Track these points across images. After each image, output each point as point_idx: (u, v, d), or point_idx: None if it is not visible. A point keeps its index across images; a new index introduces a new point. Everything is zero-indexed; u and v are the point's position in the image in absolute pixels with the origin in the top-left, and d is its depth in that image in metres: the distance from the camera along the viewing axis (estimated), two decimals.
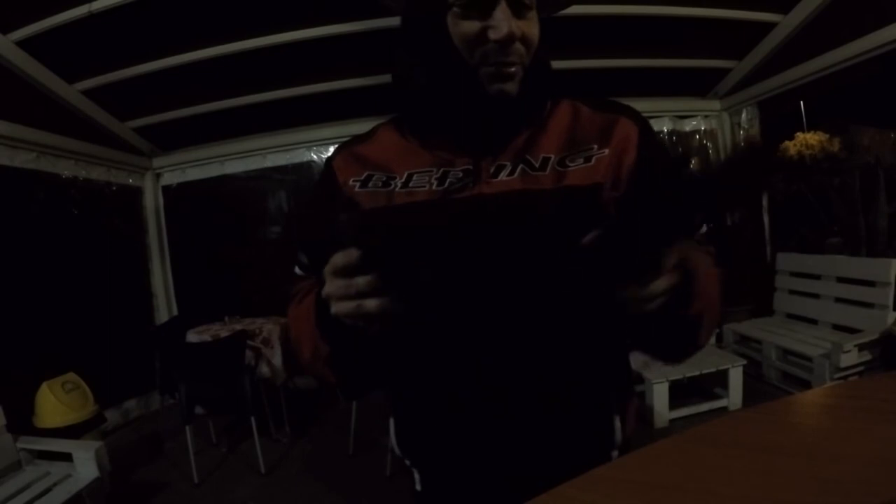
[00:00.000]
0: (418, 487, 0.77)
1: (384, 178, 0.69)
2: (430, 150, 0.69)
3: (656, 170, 0.66)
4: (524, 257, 0.63)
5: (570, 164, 0.65)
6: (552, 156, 0.66)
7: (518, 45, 0.61)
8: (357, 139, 0.77)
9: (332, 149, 3.71)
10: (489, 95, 0.63)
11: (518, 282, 0.63)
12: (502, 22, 0.59)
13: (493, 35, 0.59)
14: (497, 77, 0.62)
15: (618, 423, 0.70)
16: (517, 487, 0.64)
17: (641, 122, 0.70)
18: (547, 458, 0.67)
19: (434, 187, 0.66)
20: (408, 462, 0.77)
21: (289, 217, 4.13)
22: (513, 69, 0.62)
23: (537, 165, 0.66)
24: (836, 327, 3.02)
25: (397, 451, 0.77)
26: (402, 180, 0.68)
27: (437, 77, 0.65)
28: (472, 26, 0.60)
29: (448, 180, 0.66)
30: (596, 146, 0.66)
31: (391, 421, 0.77)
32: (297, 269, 0.78)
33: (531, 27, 0.62)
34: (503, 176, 0.65)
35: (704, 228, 0.69)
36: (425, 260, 0.52)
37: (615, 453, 0.70)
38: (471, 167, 0.66)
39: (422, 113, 0.69)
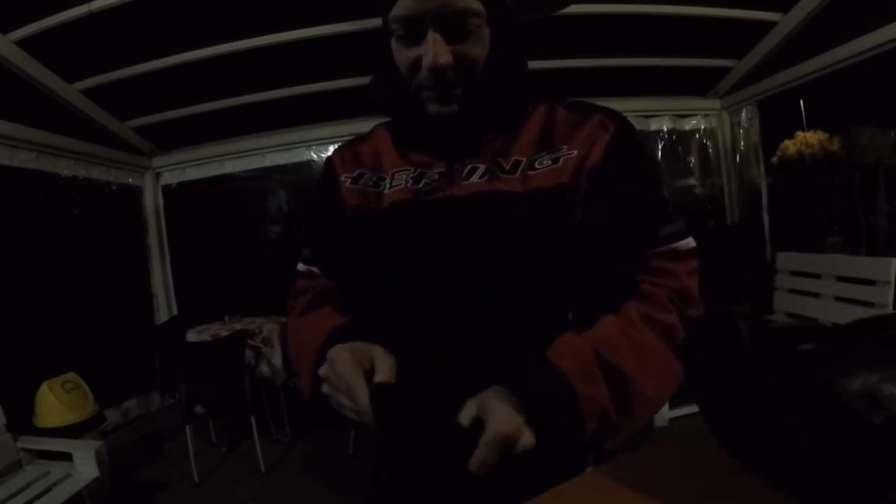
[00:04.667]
0: (386, 480, 0.78)
1: (374, 179, 0.73)
2: (412, 154, 0.72)
3: (620, 178, 0.65)
4: (489, 256, 0.64)
5: (538, 167, 0.66)
6: (524, 158, 0.67)
7: (451, 70, 0.62)
8: (355, 140, 0.81)
9: (331, 148, 3.72)
10: (431, 116, 0.67)
11: (484, 279, 0.64)
12: (429, 52, 0.61)
13: (423, 63, 0.62)
14: (436, 100, 0.65)
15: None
16: (484, 484, 0.67)
17: (619, 123, 0.69)
18: (521, 468, 0.67)
19: (409, 185, 0.69)
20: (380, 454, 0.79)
21: (289, 217, 4.13)
22: (451, 92, 0.64)
23: (507, 168, 0.67)
24: None
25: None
26: (390, 180, 0.72)
27: (389, 97, 0.71)
28: (409, 54, 0.64)
29: (423, 181, 0.69)
30: (566, 146, 0.67)
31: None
32: (299, 265, 0.79)
33: (472, 48, 0.63)
34: (475, 178, 0.67)
35: (691, 243, 0.66)
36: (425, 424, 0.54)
37: (590, 455, 0.70)
38: (444, 170, 0.69)
39: (394, 123, 0.76)
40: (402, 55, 0.65)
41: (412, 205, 0.68)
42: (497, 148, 0.69)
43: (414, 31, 0.62)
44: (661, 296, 0.62)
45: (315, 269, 0.77)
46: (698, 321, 0.63)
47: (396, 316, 0.68)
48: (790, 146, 3.16)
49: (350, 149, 0.79)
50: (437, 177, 0.68)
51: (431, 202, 0.67)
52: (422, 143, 0.71)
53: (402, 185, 0.70)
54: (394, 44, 0.65)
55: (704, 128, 4.09)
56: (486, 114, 0.68)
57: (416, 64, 0.63)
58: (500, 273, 0.63)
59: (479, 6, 0.62)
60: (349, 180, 0.75)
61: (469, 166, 0.68)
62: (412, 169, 0.71)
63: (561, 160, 0.66)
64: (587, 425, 0.55)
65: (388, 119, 0.79)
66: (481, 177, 0.67)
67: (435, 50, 0.60)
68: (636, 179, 0.67)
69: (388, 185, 0.71)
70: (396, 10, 0.62)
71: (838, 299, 3.00)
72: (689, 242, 0.66)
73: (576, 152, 0.66)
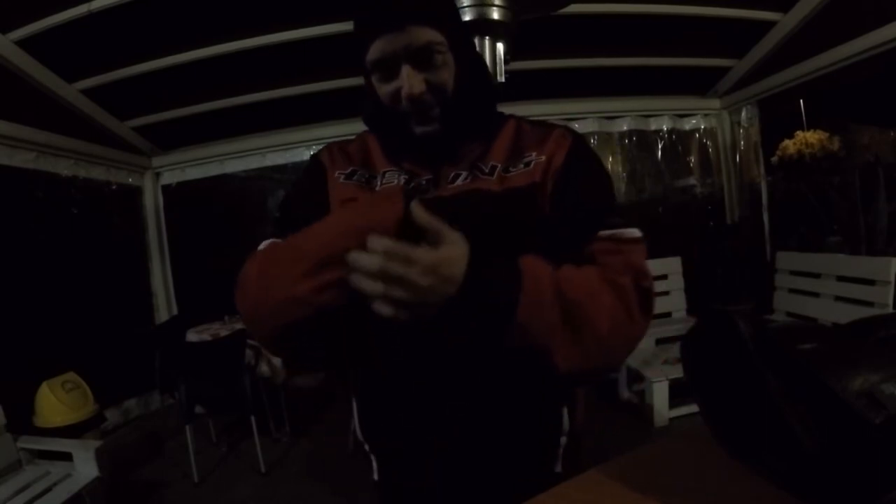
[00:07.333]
0: (375, 477, 0.84)
1: (367, 176, 0.81)
2: (403, 163, 0.80)
3: (577, 177, 0.76)
4: (474, 248, 0.69)
5: (513, 170, 0.77)
6: (499, 164, 0.78)
7: (426, 95, 0.72)
8: (342, 141, 0.89)
9: None
10: (417, 134, 0.76)
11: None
12: (405, 83, 0.70)
13: (402, 94, 0.71)
14: (418, 122, 0.75)
15: (566, 413, 0.78)
16: (467, 474, 0.74)
17: (575, 136, 0.81)
18: (497, 443, 0.75)
19: (400, 183, 0.78)
20: (367, 448, 0.83)
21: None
22: (430, 114, 0.74)
23: (486, 171, 0.77)
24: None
25: (360, 435, 0.83)
26: (381, 178, 0.80)
27: (378, 121, 0.80)
28: (388, 88, 0.73)
29: (413, 183, 0.78)
30: (534, 154, 0.78)
31: (353, 405, 0.84)
32: (263, 243, 0.80)
33: (440, 74, 0.73)
34: (459, 182, 0.77)
35: (637, 232, 0.72)
36: None
37: (563, 439, 0.78)
38: (431, 177, 0.78)
39: (382, 139, 0.84)
40: (383, 90, 0.74)
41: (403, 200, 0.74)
42: (476, 156, 0.79)
43: (389, 68, 0.72)
44: (615, 263, 0.69)
45: (279, 241, 0.77)
46: (650, 292, 0.69)
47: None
48: (790, 146, 3.16)
49: (339, 148, 0.86)
50: (425, 182, 0.77)
51: (422, 201, 0.72)
52: (410, 154, 0.80)
53: (394, 183, 0.78)
54: (374, 80, 0.75)
55: (704, 127, 4.09)
56: (462, 127, 0.77)
57: (396, 95, 0.72)
58: None
59: (439, 36, 0.71)
60: (342, 176, 0.80)
61: (453, 173, 0.78)
62: (403, 172, 0.79)
63: (532, 164, 0.76)
64: (522, 305, 0.60)
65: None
66: (464, 181, 0.77)
67: (410, 82, 0.70)
68: (590, 179, 0.78)
69: (379, 182, 0.79)
70: (371, 55, 0.71)
71: (838, 299, 3.00)
72: (635, 231, 0.73)
73: (544, 158, 0.77)
